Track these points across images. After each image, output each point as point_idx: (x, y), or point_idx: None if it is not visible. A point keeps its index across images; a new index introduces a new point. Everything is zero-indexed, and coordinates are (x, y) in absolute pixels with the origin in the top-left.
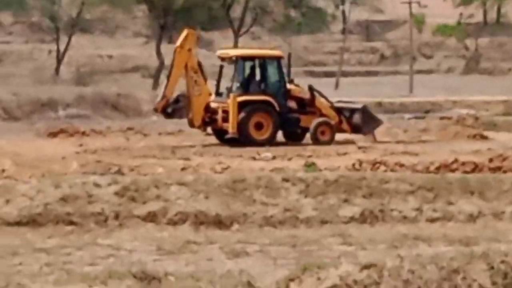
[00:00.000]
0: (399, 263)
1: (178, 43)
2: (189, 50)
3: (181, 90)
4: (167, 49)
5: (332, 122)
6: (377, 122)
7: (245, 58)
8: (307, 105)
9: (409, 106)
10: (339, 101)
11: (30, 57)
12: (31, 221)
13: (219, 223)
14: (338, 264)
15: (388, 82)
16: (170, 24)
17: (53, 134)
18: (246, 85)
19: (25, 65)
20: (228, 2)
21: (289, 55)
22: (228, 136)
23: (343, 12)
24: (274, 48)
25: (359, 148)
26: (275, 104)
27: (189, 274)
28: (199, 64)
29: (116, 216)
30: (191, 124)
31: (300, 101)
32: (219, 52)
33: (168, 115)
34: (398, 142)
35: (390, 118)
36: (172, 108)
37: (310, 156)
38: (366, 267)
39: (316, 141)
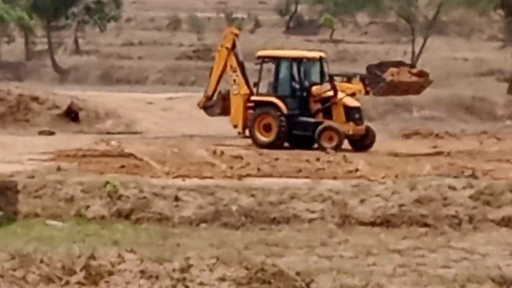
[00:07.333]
0: None
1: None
2: (227, 48)
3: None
4: None
5: (338, 128)
6: (381, 79)
7: (264, 59)
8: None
9: None
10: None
11: (385, 57)
12: (385, 222)
13: None
14: None
15: None
16: None
17: (407, 135)
18: (262, 85)
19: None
20: None
21: (321, 58)
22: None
23: None
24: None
25: None
26: (282, 106)
27: None
28: (241, 64)
29: (470, 220)
30: (231, 123)
31: (325, 102)
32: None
33: (207, 112)
34: None
35: None
36: (207, 106)
37: None
38: None
39: (321, 147)
